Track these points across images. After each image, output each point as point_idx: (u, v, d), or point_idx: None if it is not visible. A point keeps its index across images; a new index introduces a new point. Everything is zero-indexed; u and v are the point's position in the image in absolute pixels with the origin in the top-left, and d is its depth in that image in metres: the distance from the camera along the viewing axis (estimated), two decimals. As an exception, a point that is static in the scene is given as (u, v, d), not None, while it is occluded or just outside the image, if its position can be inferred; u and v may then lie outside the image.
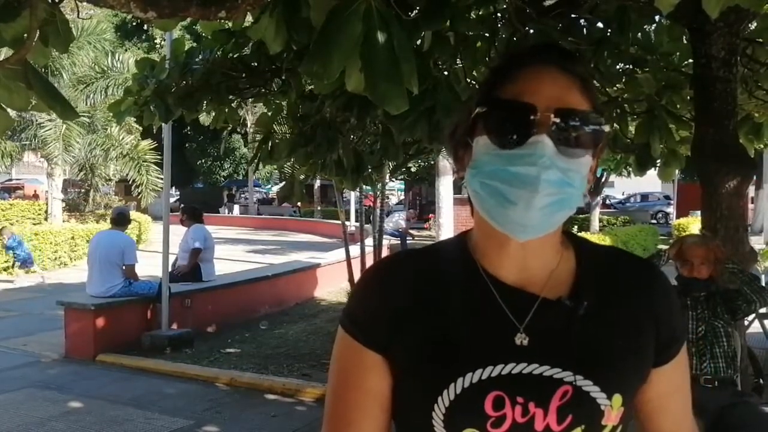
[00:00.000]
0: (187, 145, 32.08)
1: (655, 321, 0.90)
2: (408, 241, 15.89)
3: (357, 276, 8.42)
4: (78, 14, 2.20)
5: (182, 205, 8.74)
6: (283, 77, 4.10)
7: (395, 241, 14.83)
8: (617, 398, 0.84)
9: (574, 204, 0.83)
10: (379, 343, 0.90)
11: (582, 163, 0.83)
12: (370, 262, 8.80)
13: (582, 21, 3.55)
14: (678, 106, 4.22)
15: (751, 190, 18.18)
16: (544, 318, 0.86)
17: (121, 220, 7.36)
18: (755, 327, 5.50)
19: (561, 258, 0.92)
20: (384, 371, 0.90)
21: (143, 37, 27.93)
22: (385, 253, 9.83)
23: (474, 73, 3.67)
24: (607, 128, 0.85)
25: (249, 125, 25.86)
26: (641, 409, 0.94)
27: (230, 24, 3.58)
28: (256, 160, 4.93)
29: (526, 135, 0.80)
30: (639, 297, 0.91)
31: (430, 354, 0.87)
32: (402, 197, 31.77)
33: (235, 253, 15.67)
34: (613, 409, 0.84)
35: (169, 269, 7.41)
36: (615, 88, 4.31)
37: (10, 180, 33.22)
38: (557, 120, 0.80)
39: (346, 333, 0.93)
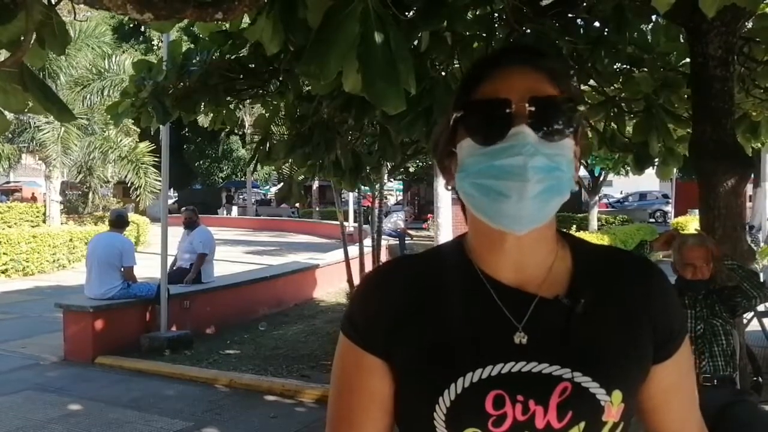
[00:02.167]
0: (185, 146, 32.07)
1: (652, 317, 0.91)
2: (407, 241, 15.89)
3: (356, 276, 8.42)
4: (75, 16, 2.19)
5: (184, 208, 8.74)
6: (281, 78, 4.09)
7: (394, 241, 14.83)
8: (617, 394, 0.85)
9: (565, 189, 0.84)
10: (379, 347, 0.91)
11: (565, 146, 0.85)
12: (368, 262, 8.81)
13: (579, 21, 3.56)
14: (675, 105, 4.23)
15: (749, 189, 18.19)
16: (542, 317, 0.87)
17: (119, 222, 7.35)
18: (754, 325, 5.51)
19: (557, 256, 0.92)
20: (385, 374, 0.91)
21: (140, 38, 27.90)
22: (383, 253, 9.83)
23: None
24: (582, 108, 0.88)
25: (247, 126, 25.86)
26: (643, 406, 0.95)
27: (227, 25, 3.58)
28: (254, 161, 4.93)
29: (505, 128, 0.82)
30: (635, 293, 0.92)
31: (429, 356, 0.88)
32: (400, 197, 31.78)
33: (233, 254, 15.66)
34: (613, 405, 0.84)
35: (168, 270, 7.40)
36: (612, 88, 4.31)
37: (8, 182, 33.18)
38: (533, 108, 0.82)
39: (346, 337, 0.94)
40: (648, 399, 0.94)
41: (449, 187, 0.92)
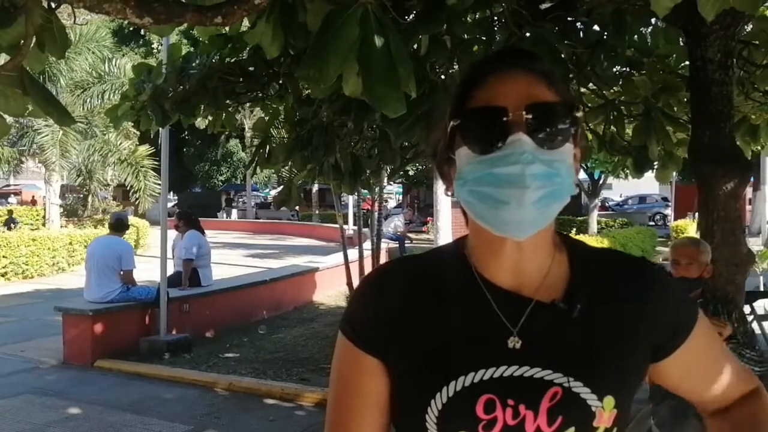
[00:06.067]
0: (184, 149, 32.07)
1: (651, 318, 0.91)
2: (406, 244, 15.90)
3: (355, 279, 8.41)
4: (74, 20, 2.20)
5: (177, 210, 8.73)
6: (280, 81, 4.10)
7: (393, 244, 14.83)
8: (609, 400, 0.85)
9: (565, 194, 0.84)
10: (376, 348, 0.92)
11: (564, 152, 0.84)
12: (368, 265, 8.80)
13: (578, 24, 3.56)
14: (674, 108, 4.23)
15: (749, 192, 18.20)
16: (537, 321, 0.87)
17: (119, 225, 7.35)
18: (753, 328, 5.51)
19: (554, 260, 0.92)
20: (382, 375, 0.92)
21: (140, 42, 27.91)
22: (383, 256, 9.82)
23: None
24: (579, 114, 0.87)
25: (246, 129, 25.87)
26: (667, 382, 0.97)
27: (227, 29, 3.58)
28: (253, 165, 4.94)
29: (503, 136, 0.82)
30: (632, 296, 0.92)
31: (424, 358, 0.88)
32: (400, 200, 31.79)
33: (233, 257, 15.66)
34: (605, 411, 0.84)
35: (167, 274, 7.39)
36: (612, 91, 4.31)
37: (8, 185, 33.18)
38: (529, 116, 0.82)
39: (345, 338, 0.95)
40: (667, 378, 0.96)
41: (449, 193, 0.92)
